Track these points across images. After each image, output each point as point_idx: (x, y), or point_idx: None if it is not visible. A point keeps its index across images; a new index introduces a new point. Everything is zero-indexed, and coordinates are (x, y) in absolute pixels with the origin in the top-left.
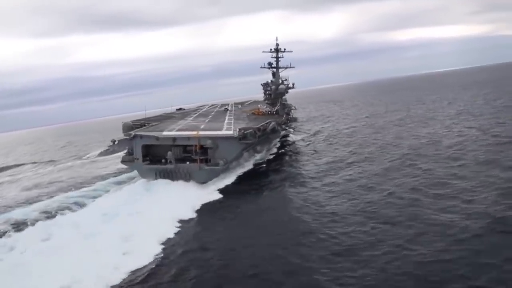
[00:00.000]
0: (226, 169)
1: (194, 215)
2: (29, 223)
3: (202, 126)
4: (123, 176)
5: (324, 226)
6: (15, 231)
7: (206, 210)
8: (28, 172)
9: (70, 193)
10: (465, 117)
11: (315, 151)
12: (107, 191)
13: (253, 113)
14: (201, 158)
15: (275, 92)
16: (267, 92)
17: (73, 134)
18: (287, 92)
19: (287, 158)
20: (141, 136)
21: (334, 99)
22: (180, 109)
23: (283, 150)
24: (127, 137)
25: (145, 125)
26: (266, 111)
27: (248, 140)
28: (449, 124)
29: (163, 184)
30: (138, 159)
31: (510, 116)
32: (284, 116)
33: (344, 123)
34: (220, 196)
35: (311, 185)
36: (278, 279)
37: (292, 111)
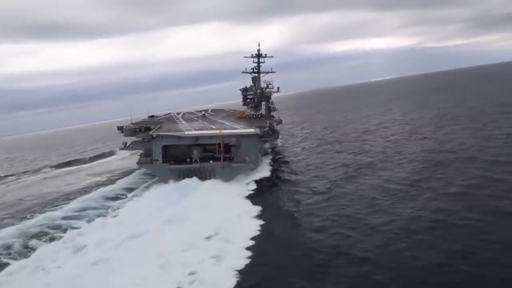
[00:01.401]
0: (248, 166)
1: (255, 208)
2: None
3: (213, 126)
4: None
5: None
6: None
7: (260, 202)
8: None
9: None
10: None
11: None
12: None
13: (238, 117)
14: (225, 156)
15: (260, 96)
16: (248, 97)
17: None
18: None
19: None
20: (162, 137)
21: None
22: (153, 116)
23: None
24: (143, 138)
25: (150, 128)
26: (251, 114)
27: (266, 138)
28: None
29: (195, 184)
30: (157, 160)
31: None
32: (278, 118)
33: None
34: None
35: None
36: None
37: (276, 112)
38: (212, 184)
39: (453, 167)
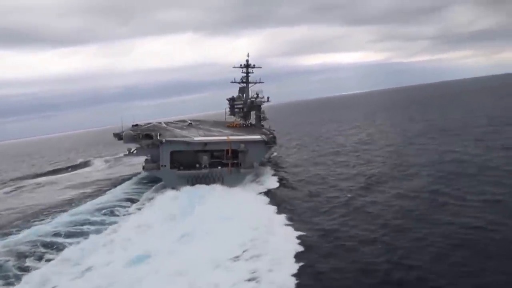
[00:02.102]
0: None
1: (280, 217)
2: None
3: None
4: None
5: None
6: None
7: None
8: None
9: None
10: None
11: None
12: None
13: (228, 126)
14: (232, 162)
15: (250, 105)
16: (237, 106)
17: None
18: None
19: None
20: (171, 142)
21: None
22: (137, 125)
23: None
24: (149, 144)
25: (149, 135)
26: (241, 123)
27: (271, 144)
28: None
29: (202, 192)
30: (165, 165)
31: None
32: (269, 127)
33: None
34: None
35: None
36: None
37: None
38: (222, 191)
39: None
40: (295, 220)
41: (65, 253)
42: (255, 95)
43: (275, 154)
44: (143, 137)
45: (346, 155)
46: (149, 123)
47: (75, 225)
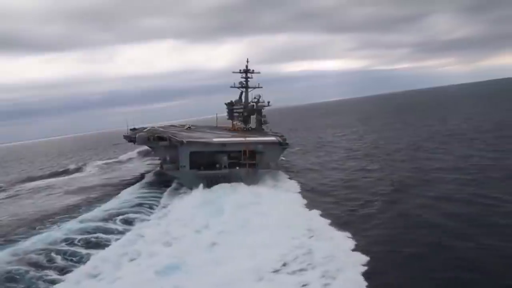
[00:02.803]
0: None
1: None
2: None
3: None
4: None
5: None
6: None
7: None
8: None
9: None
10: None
11: None
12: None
13: (229, 130)
14: (250, 162)
15: (251, 110)
16: (237, 111)
17: None
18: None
19: None
20: (190, 143)
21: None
22: (134, 129)
23: None
24: (166, 146)
25: (162, 137)
26: (242, 127)
27: (285, 146)
28: None
29: (223, 194)
30: (184, 166)
31: None
32: (270, 131)
33: None
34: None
35: None
36: None
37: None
38: (246, 194)
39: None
40: (337, 225)
41: (89, 264)
42: (255, 99)
43: (283, 158)
44: (156, 139)
45: (360, 159)
46: (144, 128)
47: (88, 233)
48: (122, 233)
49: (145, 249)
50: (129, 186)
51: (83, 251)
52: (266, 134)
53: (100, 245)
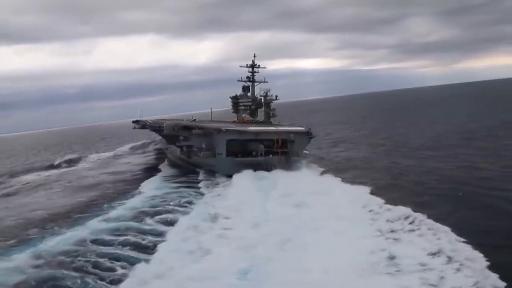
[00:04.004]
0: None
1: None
2: None
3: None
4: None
5: None
6: None
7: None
8: None
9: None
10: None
11: None
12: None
13: (235, 122)
14: (282, 151)
15: (259, 103)
16: (244, 104)
17: None
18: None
19: None
20: (226, 131)
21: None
22: (137, 121)
23: None
24: (200, 135)
25: (188, 126)
26: (250, 119)
27: (311, 136)
28: None
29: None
30: (221, 154)
31: None
32: (278, 123)
33: None
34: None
35: None
36: None
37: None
38: (293, 182)
39: None
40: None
41: (144, 269)
42: (264, 93)
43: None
44: (180, 129)
45: (395, 154)
46: (147, 121)
47: (119, 233)
48: (162, 234)
49: (201, 250)
50: (143, 181)
51: (125, 252)
52: (293, 124)
53: (140, 246)
